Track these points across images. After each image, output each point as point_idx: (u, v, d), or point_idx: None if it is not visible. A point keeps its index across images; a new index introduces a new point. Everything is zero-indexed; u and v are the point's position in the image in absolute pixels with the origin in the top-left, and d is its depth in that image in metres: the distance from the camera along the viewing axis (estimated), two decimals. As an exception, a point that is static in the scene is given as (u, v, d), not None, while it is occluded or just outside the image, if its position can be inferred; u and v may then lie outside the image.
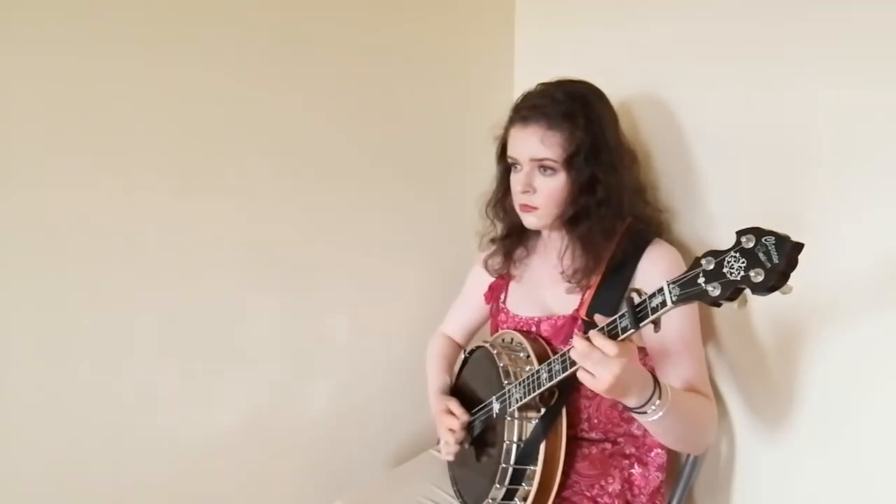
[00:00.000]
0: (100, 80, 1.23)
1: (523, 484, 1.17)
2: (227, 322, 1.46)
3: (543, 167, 1.19)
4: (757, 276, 0.73)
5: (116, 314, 1.31)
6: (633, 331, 0.89)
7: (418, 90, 1.63)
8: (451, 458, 1.33)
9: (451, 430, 1.28)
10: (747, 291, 0.76)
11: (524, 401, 1.14)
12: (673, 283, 0.83)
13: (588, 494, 1.25)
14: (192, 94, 1.33)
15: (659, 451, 1.27)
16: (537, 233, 1.35)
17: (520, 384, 1.15)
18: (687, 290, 0.81)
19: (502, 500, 1.19)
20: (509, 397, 1.17)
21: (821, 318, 1.13)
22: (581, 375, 0.94)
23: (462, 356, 1.44)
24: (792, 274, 0.73)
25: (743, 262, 0.75)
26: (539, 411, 1.18)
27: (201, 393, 1.45)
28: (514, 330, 1.30)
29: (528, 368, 1.19)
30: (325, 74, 1.48)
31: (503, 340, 1.30)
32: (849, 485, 1.13)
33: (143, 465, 1.39)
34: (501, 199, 1.34)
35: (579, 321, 1.22)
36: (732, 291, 0.76)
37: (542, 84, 1.24)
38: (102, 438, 1.34)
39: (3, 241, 1.19)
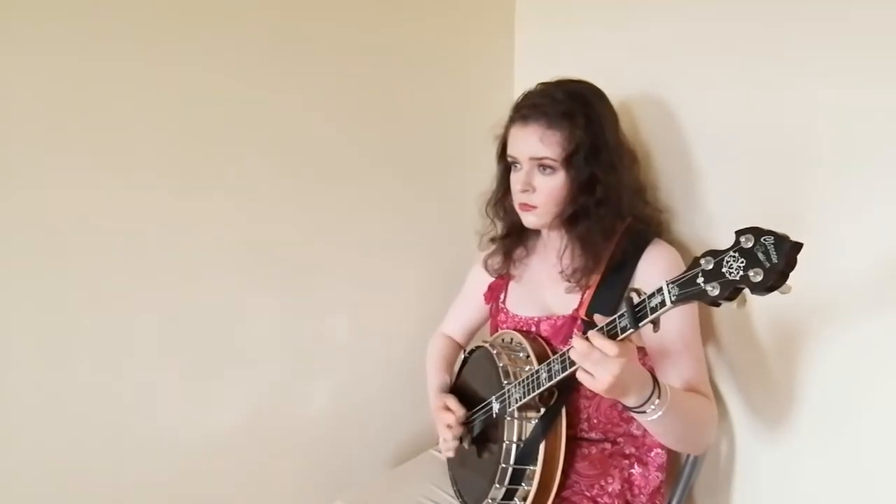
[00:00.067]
0: (100, 80, 1.23)
1: (523, 484, 1.17)
2: (227, 322, 1.46)
3: (543, 166, 1.19)
4: (756, 275, 0.73)
5: (116, 314, 1.31)
6: (632, 331, 0.89)
7: (418, 90, 1.63)
8: (450, 454, 1.33)
9: (448, 426, 1.28)
10: (746, 291, 0.76)
11: (524, 401, 1.14)
12: (672, 282, 0.83)
13: (588, 494, 1.25)
14: (192, 94, 1.33)
15: (659, 451, 1.27)
16: (537, 232, 1.35)
17: (519, 384, 1.15)
18: (686, 289, 0.81)
19: (502, 499, 1.19)
20: (509, 397, 1.17)
21: (821, 318, 1.13)
22: (580, 375, 0.94)
23: (462, 356, 1.44)
24: (791, 274, 0.73)
25: (742, 262, 0.75)
26: (539, 411, 1.18)
27: (201, 393, 1.45)
28: (514, 330, 1.30)
29: (527, 368, 1.19)
30: (325, 74, 1.48)
31: (503, 340, 1.30)
32: (849, 485, 1.13)
33: (143, 465, 1.39)
34: (501, 198, 1.34)
35: (579, 321, 1.22)
36: (731, 291, 0.76)
37: (543, 84, 1.24)
38: (102, 438, 1.34)
39: (3, 241, 1.19)
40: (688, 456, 1.32)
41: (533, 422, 1.18)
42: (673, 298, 0.83)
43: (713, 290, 0.77)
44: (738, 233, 0.76)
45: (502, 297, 1.40)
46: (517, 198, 1.24)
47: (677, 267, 1.15)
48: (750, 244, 0.74)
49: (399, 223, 1.67)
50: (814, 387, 1.16)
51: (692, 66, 1.31)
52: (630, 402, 0.99)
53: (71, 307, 1.27)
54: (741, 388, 1.30)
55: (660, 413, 0.99)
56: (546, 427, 1.16)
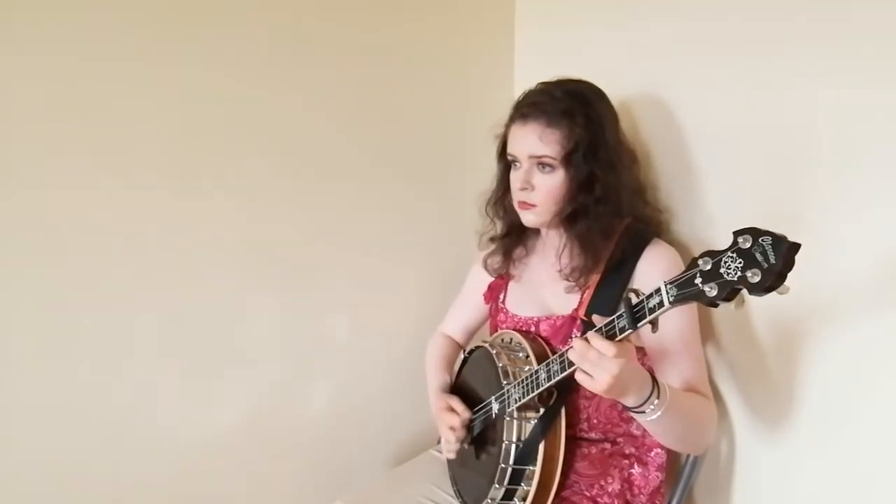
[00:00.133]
0: (100, 80, 1.23)
1: (522, 484, 1.17)
2: (227, 322, 1.46)
3: (542, 164, 1.19)
4: (754, 276, 0.73)
5: (116, 314, 1.32)
6: (630, 331, 0.89)
7: (418, 90, 1.63)
8: (452, 456, 1.33)
9: (451, 427, 1.28)
10: (744, 292, 0.76)
11: (523, 401, 1.14)
12: (670, 283, 0.83)
13: (588, 494, 1.25)
14: (192, 94, 1.33)
15: (659, 450, 1.27)
16: (536, 232, 1.35)
17: (519, 384, 1.15)
18: (684, 290, 0.81)
19: (502, 500, 1.19)
20: (508, 397, 1.17)
21: (821, 318, 1.13)
22: (579, 376, 0.94)
23: (461, 356, 1.44)
24: (789, 274, 0.72)
25: (740, 263, 0.75)
26: (538, 411, 1.18)
27: (201, 393, 1.45)
28: (514, 330, 1.30)
29: (526, 368, 1.19)
30: (325, 74, 1.48)
31: (502, 340, 1.30)
32: (849, 485, 1.12)
33: (143, 465, 1.39)
34: (501, 197, 1.34)
35: (578, 321, 1.22)
36: (729, 292, 0.76)
37: (543, 83, 1.24)
38: (102, 438, 1.34)
39: (3, 241, 1.19)
40: (688, 456, 1.32)
41: (532, 422, 1.17)
42: (671, 299, 0.83)
43: (711, 290, 0.77)
44: (736, 233, 0.76)
45: (502, 296, 1.40)
46: (516, 196, 1.24)
47: (677, 267, 1.15)
48: (748, 245, 0.74)
49: (399, 223, 1.67)
50: (814, 387, 1.16)
51: (692, 66, 1.31)
52: (629, 402, 0.99)
53: (71, 307, 1.27)
54: (741, 388, 1.30)
55: (659, 413, 0.99)
56: (545, 427, 1.16)
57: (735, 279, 0.75)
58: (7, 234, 1.19)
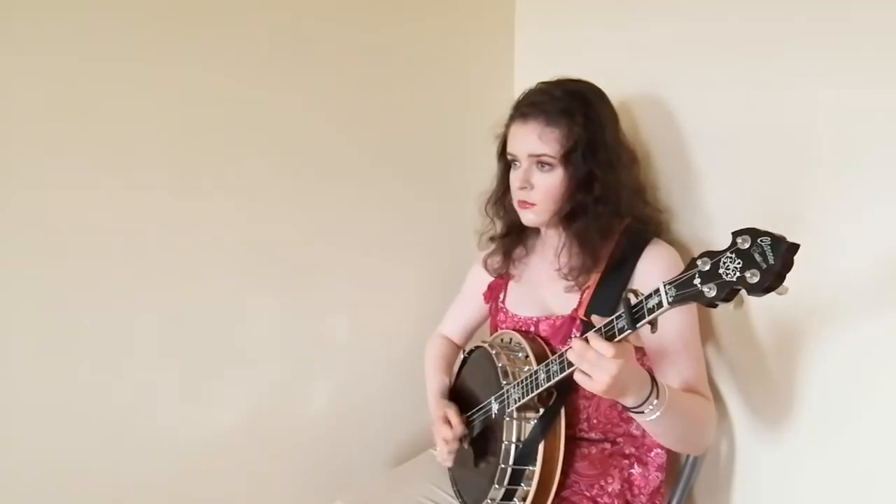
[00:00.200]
0: (100, 80, 1.23)
1: (522, 484, 1.17)
2: (227, 322, 1.46)
3: (541, 163, 1.19)
4: (752, 276, 0.73)
5: (116, 314, 1.32)
6: (629, 332, 0.89)
7: (418, 90, 1.63)
8: (449, 464, 1.33)
9: (445, 440, 1.29)
10: (743, 292, 0.75)
11: (522, 401, 1.14)
12: (669, 283, 0.83)
13: (588, 494, 1.25)
14: (192, 94, 1.33)
15: (659, 451, 1.27)
16: (536, 232, 1.35)
17: (518, 384, 1.15)
18: (683, 290, 0.81)
19: (501, 500, 1.19)
20: (508, 397, 1.17)
21: (821, 318, 1.12)
22: (578, 377, 0.94)
23: (461, 356, 1.44)
24: (788, 274, 0.72)
25: (739, 263, 0.75)
26: (537, 411, 1.18)
27: (201, 393, 1.45)
28: (513, 330, 1.30)
29: (526, 369, 1.19)
30: (325, 74, 1.48)
31: (502, 340, 1.30)
32: (849, 485, 1.12)
33: (143, 465, 1.39)
34: (501, 197, 1.34)
35: (578, 321, 1.22)
36: (728, 292, 0.76)
37: (543, 83, 1.24)
38: (102, 438, 1.34)
39: (3, 241, 1.19)
40: (688, 456, 1.32)
41: (532, 422, 1.17)
42: (670, 299, 0.83)
43: (710, 291, 0.77)
44: (735, 234, 0.76)
45: (502, 296, 1.40)
46: (516, 195, 1.24)
47: (677, 267, 1.14)
48: (746, 245, 0.74)
49: (399, 223, 1.67)
50: (814, 387, 1.16)
51: (692, 66, 1.31)
52: (628, 402, 0.99)
53: (71, 307, 1.27)
54: (741, 388, 1.30)
55: (658, 413, 0.99)
56: (545, 427, 1.16)
57: (734, 280, 0.75)
58: (7, 234, 1.19)
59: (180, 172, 1.34)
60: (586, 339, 0.93)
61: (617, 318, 0.91)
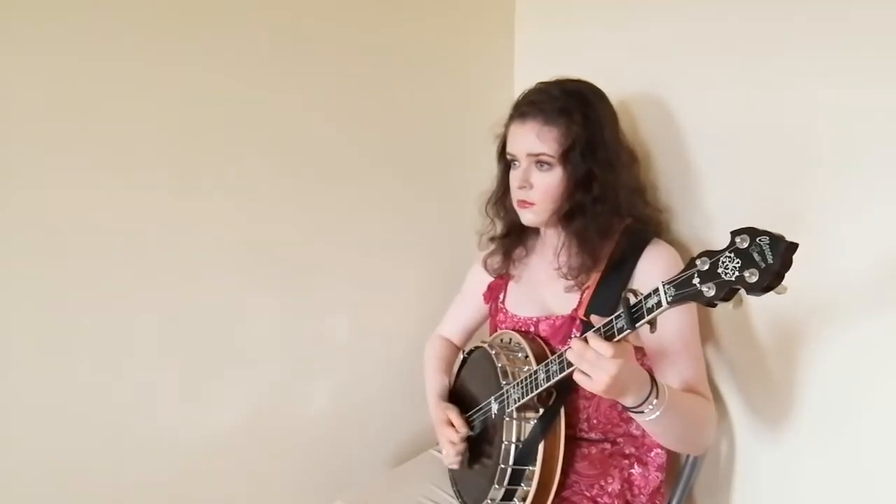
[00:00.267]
0: (100, 80, 1.23)
1: (522, 484, 1.17)
2: (227, 322, 1.46)
3: (540, 162, 1.19)
4: (751, 276, 0.73)
5: (116, 314, 1.32)
6: (629, 331, 0.89)
7: (418, 90, 1.63)
8: (455, 466, 1.33)
9: (451, 442, 1.29)
10: (742, 292, 0.75)
11: (522, 401, 1.14)
12: (668, 283, 0.83)
13: (588, 494, 1.25)
14: (192, 93, 1.33)
15: (659, 451, 1.27)
16: (536, 232, 1.35)
17: (518, 384, 1.15)
18: (682, 290, 0.81)
19: (501, 500, 1.19)
20: (507, 398, 1.17)
21: (821, 318, 1.12)
22: (577, 377, 0.94)
23: (461, 356, 1.44)
24: (787, 274, 0.72)
25: (737, 263, 0.74)
26: (537, 412, 1.18)
27: (201, 393, 1.45)
28: (513, 330, 1.30)
29: (526, 369, 1.19)
30: (325, 74, 1.48)
31: (501, 340, 1.30)
32: (849, 485, 1.12)
33: (143, 465, 1.39)
34: (501, 197, 1.34)
35: (577, 321, 1.22)
36: (727, 292, 0.76)
37: (542, 83, 1.24)
38: (102, 438, 1.34)
39: (3, 241, 1.19)
40: (688, 456, 1.32)
41: (532, 422, 1.17)
42: (669, 299, 0.83)
43: (709, 290, 0.77)
44: (734, 233, 0.75)
45: (501, 296, 1.40)
46: (515, 195, 1.24)
47: (677, 267, 1.14)
48: (745, 245, 0.74)
49: (399, 223, 1.67)
50: (814, 387, 1.16)
51: (692, 66, 1.31)
52: (628, 402, 0.99)
53: (71, 307, 1.27)
54: (741, 388, 1.30)
55: (658, 413, 0.99)
56: (545, 427, 1.16)
57: (733, 279, 0.75)
58: (7, 234, 1.19)
59: (180, 172, 1.34)
60: (585, 339, 0.93)
61: (616, 317, 0.91)
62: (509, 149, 1.24)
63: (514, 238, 1.36)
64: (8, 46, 1.14)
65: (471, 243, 1.44)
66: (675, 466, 1.35)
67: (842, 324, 1.10)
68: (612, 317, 0.92)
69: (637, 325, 0.88)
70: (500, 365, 1.21)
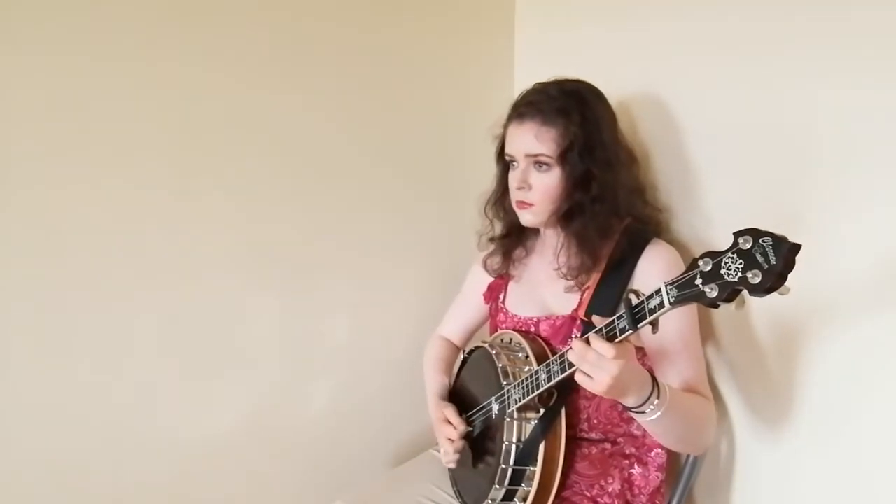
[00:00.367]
0: (100, 80, 1.23)
1: (523, 484, 1.17)
2: (227, 322, 1.46)
3: (538, 163, 1.19)
4: (754, 277, 0.73)
5: (116, 314, 1.32)
6: (630, 332, 0.89)
7: (418, 90, 1.63)
8: (452, 465, 1.33)
9: (449, 439, 1.29)
10: (745, 293, 0.76)
11: (523, 401, 1.14)
12: (671, 284, 0.83)
13: (588, 494, 1.25)
14: (193, 93, 1.33)
15: (659, 451, 1.27)
16: (536, 232, 1.35)
17: (518, 385, 1.15)
18: (684, 291, 0.81)
19: (502, 500, 1.19)
20: (508, 398, 1.17)
21: (821, 318, 1.13)
22: (578, 377, 0.94)
23: (461, 356, 1.44)
24: (790, 275, 0.72)
25: (740, 264, 0.74)
26: (538, 412, 1.18)
27: (201, 393, 1.45)
28: (513, 330, 1.29)
29: (526, 369, 1.19)
30: (325, 74, 1.48)
31: (502, 340, 1.30)
32: (849, 485, 1.12)
33: (143, 465, 1.39)
34: (501, 198, 1.34)
35: (578, 321, 1.22)
36: (730, 293, 0.76)
37: (540, 83, 1.24)
38: (102, 438, 1.34)
39: (3, 241, 1.19)
40: (688, 456, 1.32)
41: (532, 422, 1.17)
42: (671, 300, 0.83)
43: (711, 291, 0.77)
44: (737, 234, 0.76)
45: (502, 297, 1.40)
46: (514, 195, 1.24)
47: (677, 267, 1.15)
48: (748, 245, 0.74)
49: (399, 223, 1.67)
50: (814, 387, 1.16)
51: (692, 66, 1.31)
52: (629, 402, 0.99)
53: (71, 307, 1.27)
54: (741, 388, 1.30)
55: (659, 413, 0.99)
56: (545, 428, 1.16)
57: (735, 280, 0.75)
58: (7, 234, 1.19)
59: (180, 172, 1.34)
60: (587, 340, 0.93)
61: (618, 318, 0.91)
62: (508, 149, 1.24)
63: (513, 238, 1.36)
64: (8, 46, 1.14)
65: (471, 243, 1.44)
66: (675, 466, 1.35)
67: (842, 324, 1.10)
68: (614, 317, 0.92)
69: (639, 325, 0.88)
70: (500, 365, 1.21)
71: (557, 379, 1.05)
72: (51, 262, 1.23)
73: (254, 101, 1.40)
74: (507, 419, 1.17)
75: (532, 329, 1.30)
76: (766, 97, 1.18)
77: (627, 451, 1.28)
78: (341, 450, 1.69)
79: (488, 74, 1.75)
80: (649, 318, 0.86)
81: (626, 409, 1.01)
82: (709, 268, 0.78)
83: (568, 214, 1.22)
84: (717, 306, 0.78)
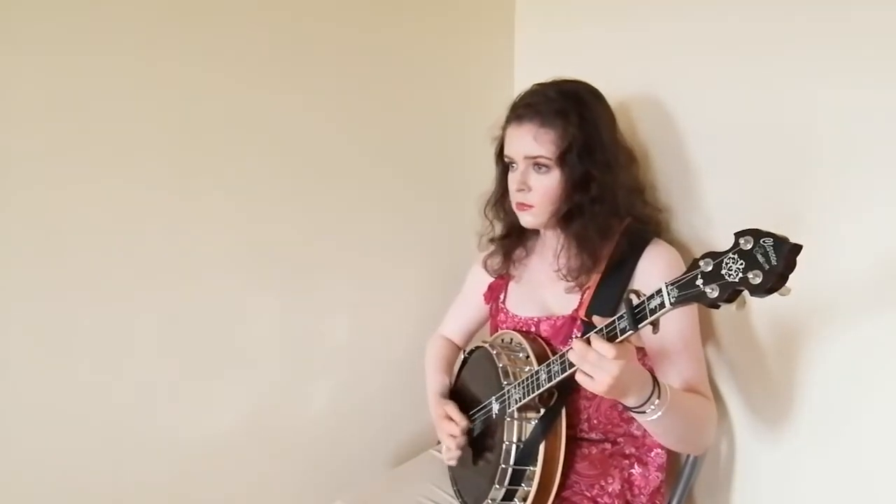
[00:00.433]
0: (100, 80, 1.23)
1: (523, 484, 1.17)
2: (227, 322, 1.46)
3: (538, 165, 1.19)
4: (755, 277, 0.73)
5: (116, 314, 1.31)
6: (631, 332, 0.89)
7: (418, 90, 1.63)
8: (453, 462, 1.33)
9: (451, 435, 1.29)
10: (745, 293, 0.76)
11: (523, 401, 1.14)
12: (671, 284, 0.83)
13: (588, 494, 1.25)
14: (193, 93, 1.33)
15: (659, 451, 1.27)
16: (536, 233, 1.35)
17: (519, 385, 1.15)
18: (685, 291, 0.81)
19: (502, 500, 1.19)
20: (509, 398, 1.17)
21: (821, 318, 1.13)
22: (579, 377, 0.94)
23: (462, 356, 1.44)
24: (791, 276, 0.72)
25: (741, 264, 0.75)
26: (538, 412, 1.18)
27: (201, 393, 1.45)
28: (514, 330, 1.29)
29: (527, 369, 1.19)
30: (325, 74, 1.48)
31: (502, 341, 1.30)
32: (849, 485, 1.12)
33: (143, 465, 1.39)
34: (500, 199, 1.34)
35: (578, 321, 1.22)
36: (731, 293, 0.76)
37: (538, 84, 1.24)
38: (102, 438, 1.34)
39: (3, 241, 1.19)
40: (688, 456, 1.32)
41: (533, 422, 1.17)
42: (672, 300, 0.83)
43: (712, 291, 0.77)
44: (738, 234, 0.76)
45: (502, 297, 1.40)
46: (514, 197, 1.24)
47: (677, 267, 1.15)
48: (749, 246, 0.74)
49: (399, 223, 1.67)
50: (814, 387, 1.16)
51: (692, 66, 1.31)
52: (630, 402, 0.99)
53: (71, 307, 1.27)
54: (741, 388, 1.30)
55: (659, 413, 1.00)
56: (546, 428, 1.16)
57: (736, 280, 0.75)
58: (7, 234, 1.19)
59: (180, 172, 1.34)
60: (588, 340, 0.93)
61: (619, 318, 0.91)
62: (507, 151, 1.25)
63: (513, 239, 1.36)
64: (8, 46, 1.14)
65: (471, 243, 1.44)
66: (675, 466, 1.35)
67: (842, 324, 1.10)
68: (615, 317, 0.92)
69: (640, 325, 0.88)
70: (501, 365, 1.21)
71: (558, 379, 1.05)
72: (51, 262, 1.23)
73: (254, 101, 1.40)
74: (508, 419, 1.17)
75: (532, 329, 1.30)
76: (766, 97, 1.18)
77: (627, 451, 1.28)
78: (341, 450, 1.69)
79: (488, 74, 1.75)
80: (650, 319, 0.86)
81: (627, 409, 1.01)
82: (710, 268, 0.78)
83: (568, 216, 1.22)
84: (717, 307, 0.78)
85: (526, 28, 1.75)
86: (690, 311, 1.17)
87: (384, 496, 1.40)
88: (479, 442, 1.29)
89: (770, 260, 0.72)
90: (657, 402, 0.99)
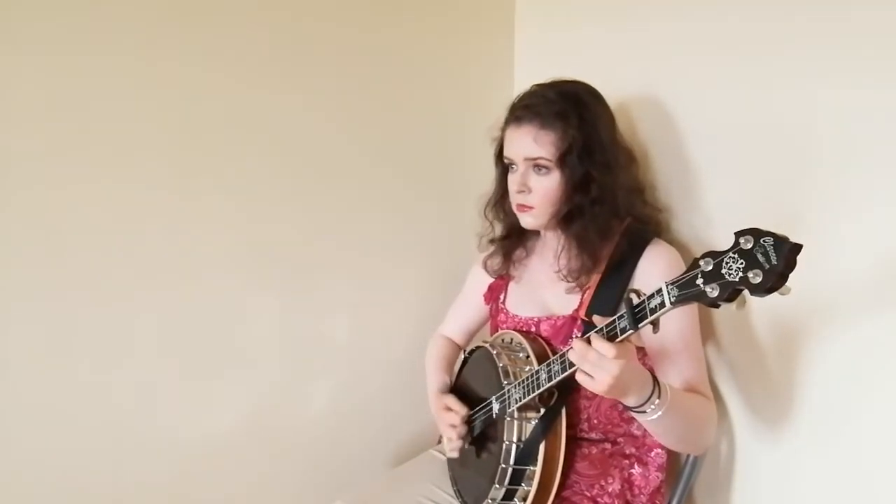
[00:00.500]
0: (100, 80, 1.23)
1: (523, 484, 1.17)
2: (227, 322, 1.46)
3: (538, 166, 1.19)
4: (755, 277, 0.73)
5: (116, 314, 1.32)
6: (631, 332, 0.89)
7: (418, 90, 1.63)
8: (455, 454, 1.33)
9: (452, 425, 1.28)
10: (746, 293, 0.76)
11: (524, 401, 1.14)
12: (671, 283, 0.83)
13: (588, 494, 1.25)
14: (193, 93, 1.33)
15: (659, 451, 1.27)
16: (536, 233, 1.35)
17: (519, 384, 1.15)
18: (685, 291, 0.81)
19: (502, 500, 1.19)
20: (509, 397, 1.17)
21: (821, 318, 1.13)
22: (579, 377, 0.94)
23: (462, 356, 1.44)
24: (791, 275, 0.72)
25: (741, 264, 0.75)
26: (538, 411, 1.18)
27: (201, 393, 1.45)
28: (514, 330, 1.29)
29: (527, 369, 1.19)
30: (325, 74, 1.48)
31: (503, 340, 1.30)
32: (849, 485, 1.12)
33: (143, 465, 1.39)
34: (500, 200, 1.34)
35: (579, 321, 1.22)
36: (731, 293, 0.76)
37: (537, 85, 1.24)
38: (102, 438, 1.34)
39: (3, 241, 1.19)
40: (688, 456, 1.32)
41: (533, 422, 1.17)
42: (672, 300, 0.83)
43: (712, 291, 0.77)
44: (738, 234, 0.76)
45: (502, 297, 1.40)
46: (514, 198, 1.24)
47: (677, 267, 1.15)
48: (749, 245, 0.74)
49: (399, 223, 1.67)
50: (814, 387, 1.16)
51: (692, 66, 1.31)
52: (630, 402, 0.99)
53: (71, 307, 1.27)
54: (741, 388, 1.30)
55: (660, 413, 1.00)
56: (546, 427, 1.16)
57: (737, 280, 0.75)
58: (7, 234, 1.19)
59: (180, 172, 1.34)
60: (588, 340, 0.93)
61: (619, 318, 0.91)
62: (506, 153, 1.24)
63: (513, 240, 1.36)
64: (8, 46, 1.14)
65: (471, 243, 1.44)
66: (675, 466, 1.35)
67: (842, 324, 1.10)
68: (615, 317, 0.92)
69: (640, 325, 0.88)
70: (501, 365, 1.21)
71: (558, 378, 1.05)
72: (51, 261, 1.23)
73: (254, 101, 1.40)
74: (508, 419, 1.17)
75: (533, 329, 1.30)
76: (766, 97, 1.18)
77: (627, 451, 1.28)
78: (341, 450, 1.69)
79: (488, 74, 1.75)
80: (650, 318, 0.86)
81: (627, 408, 1.01)
82: (710, 267, 0.78)
83: (568, 217, 1.22)
84: (717, 306, 0.78)
85: (526, 28, 1.75)
86: (691, 310, 1.17)
87: (384, 496, 1.40)
88: (480, 442, 1.29)
89: (770, 259, 0.72)
90: (657, 401, 0.99)
